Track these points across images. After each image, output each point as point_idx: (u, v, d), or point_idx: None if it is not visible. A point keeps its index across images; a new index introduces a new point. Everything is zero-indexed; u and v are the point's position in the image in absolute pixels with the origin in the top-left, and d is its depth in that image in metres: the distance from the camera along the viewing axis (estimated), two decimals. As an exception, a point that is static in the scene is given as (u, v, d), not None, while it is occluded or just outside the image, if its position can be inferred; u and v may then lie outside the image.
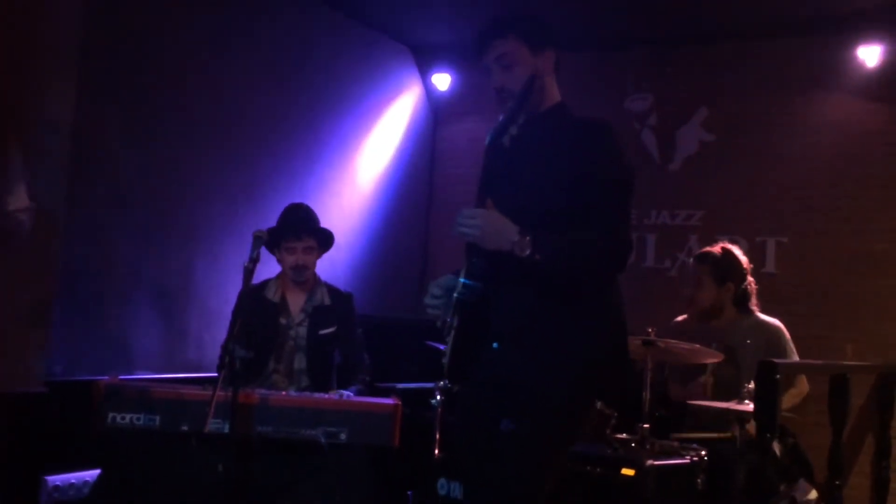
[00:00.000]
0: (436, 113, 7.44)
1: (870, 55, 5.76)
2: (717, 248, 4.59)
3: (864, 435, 5.37)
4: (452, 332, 2.46)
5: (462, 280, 2.45)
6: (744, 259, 4.59)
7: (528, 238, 2.37)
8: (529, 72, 2.62)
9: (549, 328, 2.49)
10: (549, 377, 2.46)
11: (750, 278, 4.58)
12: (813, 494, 4.19)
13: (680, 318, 4.70)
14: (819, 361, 4.82)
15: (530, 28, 2.72)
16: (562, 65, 2.79)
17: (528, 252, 2.36)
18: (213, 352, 4.89)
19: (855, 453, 5.47)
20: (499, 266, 2.44)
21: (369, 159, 6.74)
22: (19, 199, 3.17)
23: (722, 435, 4.20)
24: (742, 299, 4.52)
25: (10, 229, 3.15)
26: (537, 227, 2.41)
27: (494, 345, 2.51)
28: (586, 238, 2.43)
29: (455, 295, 2.46)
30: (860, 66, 5.82)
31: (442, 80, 7.20)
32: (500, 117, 2.60)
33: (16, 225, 3.17)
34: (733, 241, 6.12)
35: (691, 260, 4.72)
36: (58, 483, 4.14)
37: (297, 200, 4.87)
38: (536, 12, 2.82)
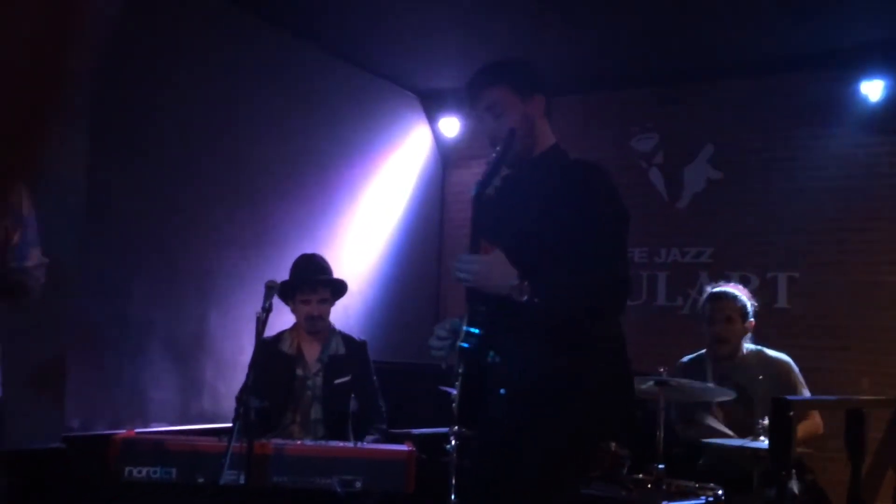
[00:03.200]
0: (445, 158, 7.51)
1: (872, 90, 5.81)
2: (735, 287, 4.60)
3: (885, 469, 5.32)
4: (460, 380, 2.49)
5: (465, 328, 2.48)
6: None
7: (526, 283, 2.40)
8: (519, 118, 2.67)
9: (551, 373, 2.51)
10: (554, 421, 2.48)
11: None
12: (833, 531, 4.16)
13: (687, 358, 4.69)
14: (833, 397, 4.80)
15: (518, 75, 2.76)
16: (556, 107, 2.84)
17: (525, 297, 2.40)
18: (229, 402, 4.92)
19: (875, 488, 5.41)
20: (500, 312, 2.46)
21: (380, 205, 6.79)
22: (35, 256, 3.21)
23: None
24: (752, 336, 4.54)
25: (27, 287, 3.19)
26: (534, 270, 2.43)
27: (501, 391, 2.53)
28: (584, 280, 2.46)
29: (459, 342, 2.48)
30: (863, 101, 5.87)
31: (450, 126, 7.26)
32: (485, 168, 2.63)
33: (33, 282, 3.21)
34: (744, 278, 6.17)
35: (708, 298, 4.64)
36: (76, 538, 4.14)
37: (309, 249, 4.91)
38: (541, 56, 2.87)
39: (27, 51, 0.52)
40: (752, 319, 4.49)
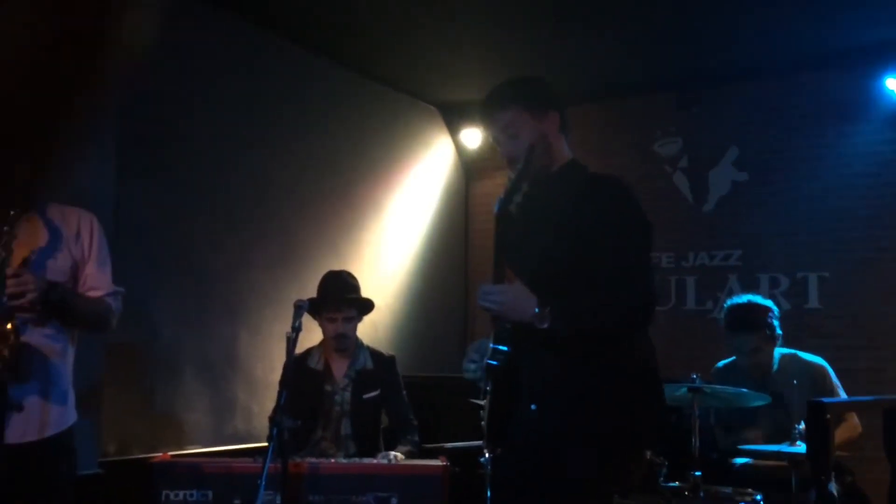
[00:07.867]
0: (467, 169, 7.52)
1: (897, 85, 5.77)
2: (747, 308, 4.45)
3: (925, 467, 5.25)
4: (488, 397, 2.48)
5: (491, 345, 2.47)
6: (769, 302, 4.52)
7: (547, 310, 2.39)
8: (535, 137, 2.65)
9: (579, 386, 2.49)
10: (586, 433, 2.46)
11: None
12: (875, 532, 4.10)
13: (721, 363, 4.64)
14: (870, 397, 4.75)
15: (530, 94, 2.73)
16: (579, 116, 2.87)
17: (546, 324, 2.39)
18: (262, 421, 4.94)
19: (916, 487, 5.34)
20: (526, 329, 2.45)
21: (405, 219, 6.81)
22: (109, 285, 3.18)
23: (779, 463, 4.12)
24: (782, 341, 4.48)
25: (109, 316, 3.17)
26: (557, 289, 2.42)
27: (532, 406, 2.52)
28: (608, 300, 2.44)
29: (486, 360, 2.47)
30: (888, 97, 5.82)
31: (472, 137, 7.26)
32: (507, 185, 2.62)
33: (115, 310, 3.20)
34: (774, 279, 6.12)
35: (728, 326, 4.45)
36: (114, 563, 4.16)
37: (336, 265, 4.92)
38: (561, 64, 2.84)
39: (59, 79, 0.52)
40: (779, 333, 4.42)
